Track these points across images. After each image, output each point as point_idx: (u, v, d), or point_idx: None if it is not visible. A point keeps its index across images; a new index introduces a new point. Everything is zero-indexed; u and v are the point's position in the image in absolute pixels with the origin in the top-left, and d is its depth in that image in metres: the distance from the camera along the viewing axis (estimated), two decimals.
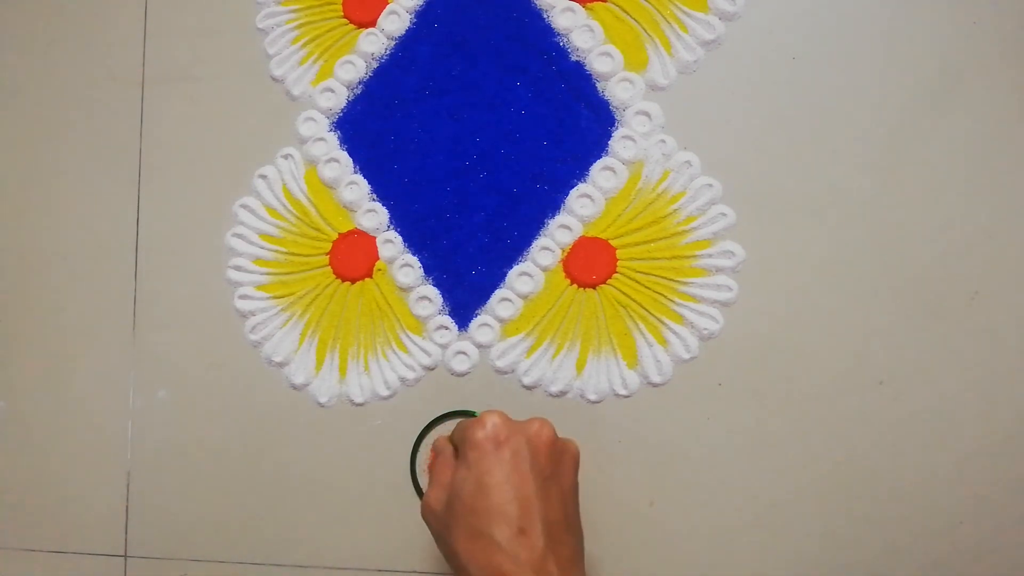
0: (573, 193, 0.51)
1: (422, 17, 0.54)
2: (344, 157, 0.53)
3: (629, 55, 0.51)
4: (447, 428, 0.51)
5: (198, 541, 0.53)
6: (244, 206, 0.54)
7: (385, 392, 0.51)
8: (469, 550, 0.37)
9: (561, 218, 0.51)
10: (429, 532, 0.42)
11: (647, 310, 0.50)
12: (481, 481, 0.38)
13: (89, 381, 0.55)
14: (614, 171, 0.51)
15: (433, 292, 0.52)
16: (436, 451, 0.44)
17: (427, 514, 0.41)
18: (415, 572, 0.51)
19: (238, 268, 0.54)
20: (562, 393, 0.50)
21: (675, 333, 0.49)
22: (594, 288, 0.50)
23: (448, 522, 0.39)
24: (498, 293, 0.51)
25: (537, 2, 0.53)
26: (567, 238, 0.51)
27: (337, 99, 0.54)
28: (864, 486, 0.47)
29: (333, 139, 0.54)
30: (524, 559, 0.36)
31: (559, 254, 0.51)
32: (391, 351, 0.52)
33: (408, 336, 0.52)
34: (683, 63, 0.51)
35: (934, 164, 0.49)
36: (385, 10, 0.54)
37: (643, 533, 0.49)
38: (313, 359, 0.52)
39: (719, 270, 0.49)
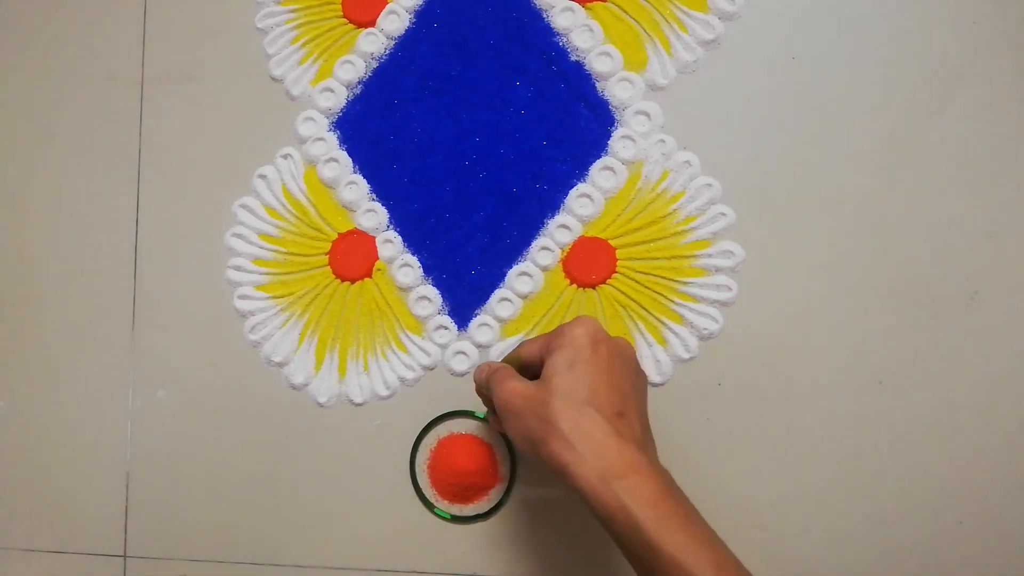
0: (573, 193, 0.51)
1: (421, 17, 0.54)
2: (343, 157, 0.53)
3: (629, 55, 0.51)
4: (447, 428, 0.51)
5: (197, 541, 0.53)
6: (243, 206, 0.54)
7: (385, 392, 0.51)
8: (572, 418, 0.37)
9: (560, 218, 0.51)
10: (503, 420, 0.41)
11: (647, 310, 0.50)
12: (583, 365, 0.39)
13: (88, 381, 0.55)
14: (613, 171, 0.51)
15: (433, 292, 0.52)
16: (491, 368, 0.44)
17: (511, 396, 0.40)
18: (415, 572, 0.50)
19: (237, 268, 0.54)
20: None
21: (675, 333, 0.49)
22: (594, 288, 0.50)
23: (544, 397, 0.39)
24: (498, 293, 0.51)
25: (537, 2, 0.53)
26: (566, 238, 0.51)
27: (336, 99, 0.54)
28: (864, 486, 0.47)
29: (332, 139, 0.54)
30: (627, 435, 0.37)
31: (559, 254, 0.51)
32: (391, 351, 0.52)
33: (408, 336, 0.52)
34: (683, 63, 0.51)
35: (934, 164, 0.48)
36: (384, 10, 0.54)
37: None
38: (312, 359, 0.52)
39: (719, 270, 0.49)
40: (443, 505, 0.50)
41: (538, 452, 0.38)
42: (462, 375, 0.51)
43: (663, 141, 0.51)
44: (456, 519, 0.50)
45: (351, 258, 0.53)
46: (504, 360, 0.45)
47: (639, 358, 0.43)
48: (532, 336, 0.50)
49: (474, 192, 0.52)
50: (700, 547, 0.35)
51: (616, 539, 0.36)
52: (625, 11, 0.52)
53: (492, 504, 0.50)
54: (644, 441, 0.39)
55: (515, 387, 0.40)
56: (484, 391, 0.44)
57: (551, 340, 0.41)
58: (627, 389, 0.39)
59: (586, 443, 0.37)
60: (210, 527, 0.53)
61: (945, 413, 0.47)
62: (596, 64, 0.51)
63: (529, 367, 0.43)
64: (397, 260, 0.52)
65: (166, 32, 0.56)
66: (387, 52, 0.54)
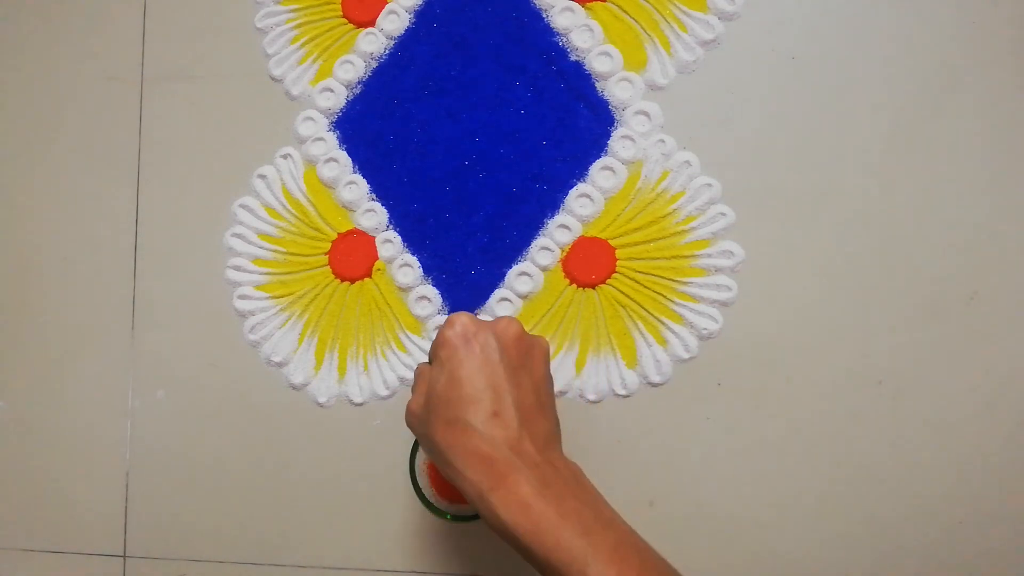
0: (572, 193, 0.51)
1: (421, 17, 0.54)
2: (343, 157, 0.53)
3: (628, 55, 0.51)
4: None
5: (197, 541, 0.53)
6: (243, 206, 0.54)
7: (384, 392, 0.51)
8: (447, 437, 0.38)
9: (560, 218, 0.51)
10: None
11: (646, 310, 0.50)
12: (453, 374, 0.39)
13: (88, 381, 0.55)
14: (613, 171, 0.51)
15: (432, 292, 0.52)
16: (415, 374, 0.44)
17: (409, 418, 0.41)
18: (415, 572, 0.50)
19: (237, 268, 0.54)
20: (561, 393, 0.50)
21: (674, 333, 0.49)
22: (593, 288, 0.50)
23: (426, 418, 0.39)
24: (497, 293, 0.51)
25: (536, 2, 0.53)
26: (566, 238, 0.51)
27: (336, 99, 0.54)
28: (864, 486, 0.47)
29: (332, 139, 0.54)
30: (500, 438, 0.37)
31: (558, 254, 0.51)
32: (390, 351, 0.52)
33: (407, 336, 0.52)
34: (682, 63, 0.51)
35: (934, 164, 0.48)
36: (384, 10, 0.54)
37: (643, 533, 0.49)
38: (312, 359, 0.52)
39: (718, 270, 0.49)
40: (443, 505, 0.50)
41: (438, 469, 0.39)
42: None
43: (663, 141, 0.51)
44: (456, 519, 0.49)
45: (351, 258, 0.53)
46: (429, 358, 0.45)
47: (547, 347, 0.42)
48: (529, 331, 0.49)
49: (474, 192, 0.52)
50: (575, 540, 0.34)
51: (515, 551, 0.36)
52: (625, 11, 0.52)
53: None
54: (521, 437, 0.38)
55: (411, 407, 0.41)
56: None
57: (432, 346, 0.41)
58: (502, 380, 0.39)
59: (461, 459, 0.37)
60: (210, 527, 0.53)
61: (945, 413, 0.47)
62: (596, 64, 0.51)
63: None
64: (397, 260, 0.52)
65: (166, 32, 0.56)
66: (387, 52, 0.54)
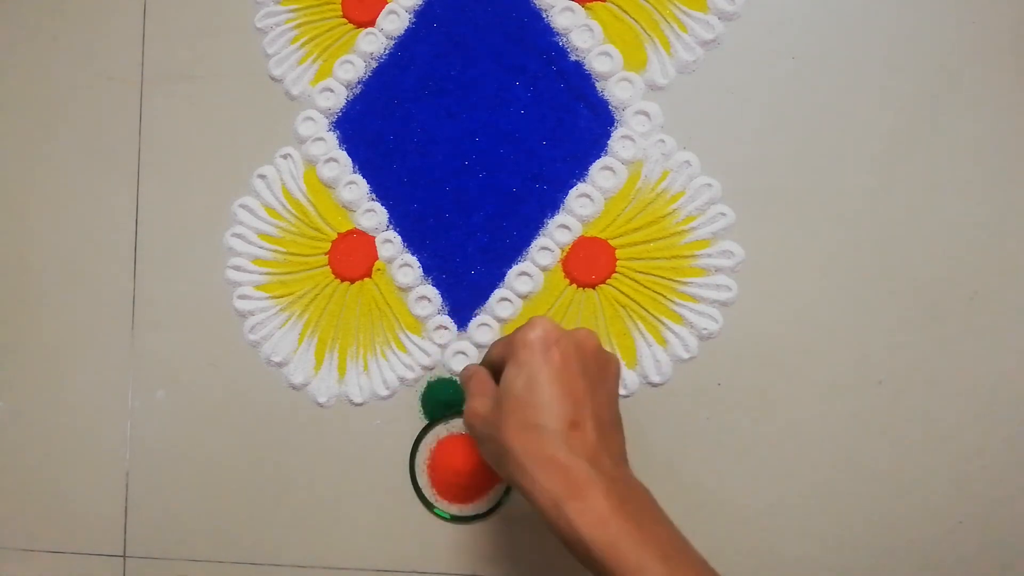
0: (572, 193, 0.51)
1: (421, 17, 0.54)
2: (343, 157, 0.53)
3: (628, 55, 0.51)
4: (447, 428, 0.51)
5: (197, 541, 0.53)
6: (243, 206, 0.54)
7: (384, 392, 0.51)
8: (522, 441, 0.37)
9: (560, 218, 0.51)
10: (476, 441, 0.41)
11: (646, 310, 0.50)
12: (533, 378, 0.38)
13: (88, 381, 0.55)
14: (613, 171, 0.51)
15: (432, 292, 0.52)
16: (467, 375, 0.44)
17: (472, 419, 0.40)
18: (415, 572, 0.50)
19: (237, 268, 0.54)
20: None
21: (674, 333, 0.49)
22: (593, 288, 0.50)
23: (497, 420, 0.38)
24: (497, 293, 0.51)
25: (536, 2, 0.53)
26: (566, 238, 0.51)
27: (336, 99, 0.54)
28: (864, 486, 0.47)
29: (332, 139, 0.54)
30: (578, 449, 0.36)
31: (558, 254, 0.51)
32: (390, 351, 0.52)
33: (407, 336, 0.52)
34: (682, 63, 0.51)
35: (934, 164, 0.48)
36: (384, 10, 0.54)
37: None
38: (312, 359, 0.52)
39: (718, 270, 0.49)
40: (443, 505, 0.50)
41: (502, 474, 0.38)
42: None
43: (663, 141, 0.50)
44: (456, 519, 0.49)
45: (351, 258, 0.53)
46: (482, 361, 0.45)
47: (607, 348, 0.42)
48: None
49: (474, 192, 0.52)
50: (655, 565, 0.33)
51: (579, 562, 0.35)
52: (625, 11, 0.52)
53: (492, 504, 0.50)
54: (599, 450, 0.37)
55: (475, 408, 0.40)
56: None
57: (507, 347, 0.40)
58: (582, 392, 0.38)
59: (537, 466, 0.36)
60: (210, 527, 0.53)
61: (945, 413, 0.47)
62: (596, 64, 0.51)
63: (500, 369, 0.42)
64: (397, 260, 0.52)
65: (165, 32, 0.56)
66: (387, 52, 0.54)
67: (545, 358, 0.38)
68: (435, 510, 0.50)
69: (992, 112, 0.48)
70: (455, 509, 0.50)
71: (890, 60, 0.49)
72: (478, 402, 0.40)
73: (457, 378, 0.51)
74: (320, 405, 0.52)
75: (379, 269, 0.52)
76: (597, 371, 0.40)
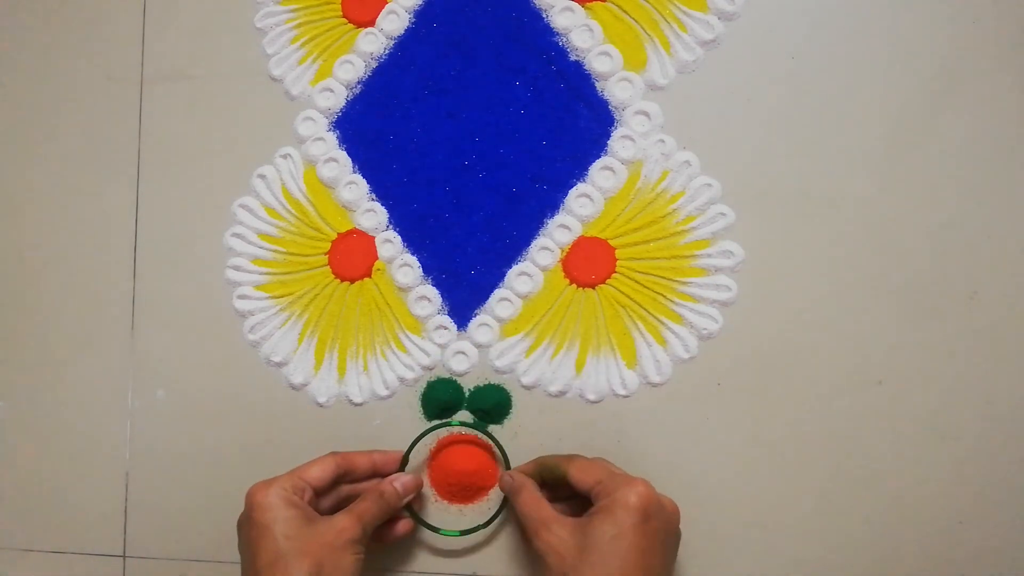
0: (572, 193, 0.51)
1: (421, 17, 0.54)
2: (343, 157, 0.53)
3: (628, 55, 0.51)
4: (444, 429, 0.51)
5: (197, 541, 0.53)
6: (243, 206, 0.54)
7: (384, 392, 0.51)
8: None
9: (560, 218, 0.51)
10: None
11: (646, 310, 0.50)
12: (623, 545, 0.39)
13: (88, 381, 0.55)
14: (613, 171, 0.51)
15: (432, 292, 0.52)
16: (514, 488, 0.46)
17: (548, 550, 0.41)
18: (415, 572, 0.50)
19: (237, 268, 0.54)
20: (561, 393, 0.50)
21: (674, 333, 0.49)
22: (593, 288, 0.50)
23: (578, 564, 0.40)
24: (497, 293, 0.51)
25: (536, 2, 0.52)
26: (566, 238, 0.51)
27: (336, 99, 0.54)
28: (864, 486, 0.47)
29: (332, 139, 0.54)
30: None
31: (558, 254, 0.51)
32: (390, 351, 0.52)
33: (407, 336, 0.52)
34: (682, 63, 0.51)
35: (934, 164, 0.48)
36: (384, 10, 0.54)
37: None
38: (312, 359, 0.52)
39: (718, 270, 0.49)
40: (443, 505, 0.50)
41: None
42: (462, 375, 0.51)
43: (663, 141, 0.50)
44: (465, 533, 0.49)
45: (351, 258, 0.52)
46: (539, 466, 0.46)
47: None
48: (528, 331, 0.50)
49: (474, 192, 0.52)
50: None
51: None
52: (625, 11, 0.52)
53: (491, 504, 0.50)
54: None
55: (552, 541, 0.41)
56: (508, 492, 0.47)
57: (604, 489, 0.42)
58: (659, 568, 0.40)
59: None
60: (210, 527, 0.52)
61: (945, 413, 0.47)
62: (596, 64, 0.51)
63: (564, 486, 0.44)
64: (397, 260, 0.52)
65: (165, 32, 0.56)
66: (387, 52, 0.54)
67: (640, 527, 0.40)
68: (442, 531, 0.49)
69: (992, 112, 0.48)
70: (461, 516, 0.50)
71: (890, 60, 0.49)
72: (556, 535, 0.41)
73: (457, 379, 0.51)
74: (320, 405, 0.52)
75: (379, 269, 0.52)
76: (674, 546, 0.42)
